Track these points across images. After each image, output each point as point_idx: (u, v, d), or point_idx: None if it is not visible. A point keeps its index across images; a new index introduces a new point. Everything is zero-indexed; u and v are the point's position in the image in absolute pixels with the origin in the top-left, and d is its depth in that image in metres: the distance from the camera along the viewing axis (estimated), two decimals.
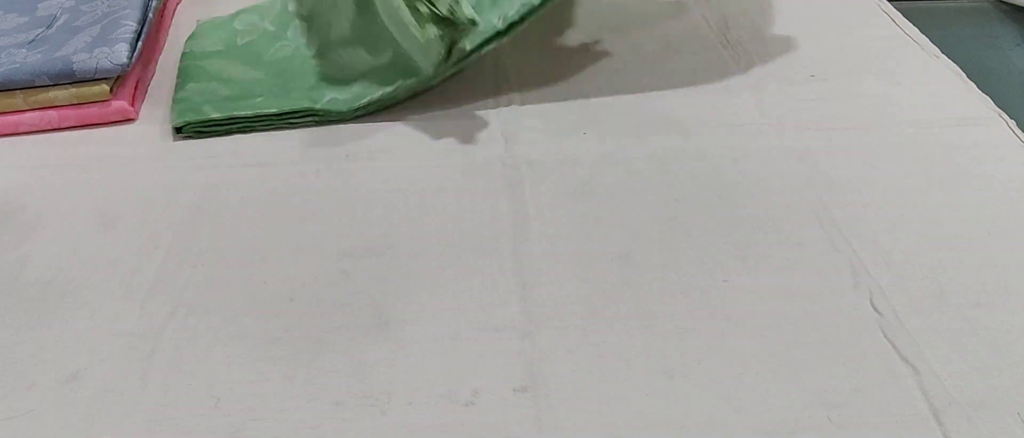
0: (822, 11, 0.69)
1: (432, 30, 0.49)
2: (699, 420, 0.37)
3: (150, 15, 0.60)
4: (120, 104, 0.55)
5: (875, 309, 0.42)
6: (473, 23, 0.48)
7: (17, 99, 0.54)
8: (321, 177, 0.51)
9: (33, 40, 0.57)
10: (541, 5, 0.51)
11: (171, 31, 0.66)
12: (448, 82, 0.58)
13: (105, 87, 0.54)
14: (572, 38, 0.66)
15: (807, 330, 0.41)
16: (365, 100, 0.54)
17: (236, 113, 0.54)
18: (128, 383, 0.38)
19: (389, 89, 0.54)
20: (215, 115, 0.54)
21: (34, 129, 0.55)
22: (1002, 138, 0.54)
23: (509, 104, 0.58)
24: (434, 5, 0.48)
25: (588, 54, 0.63)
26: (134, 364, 0.39)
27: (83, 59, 0.54)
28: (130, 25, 0.57)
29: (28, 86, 0.54)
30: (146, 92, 0.59)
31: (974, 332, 0.41)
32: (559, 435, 0.36)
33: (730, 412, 0.37)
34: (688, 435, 0.36)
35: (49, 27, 0.59)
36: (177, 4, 0.69)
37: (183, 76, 0.59)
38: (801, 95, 0.58)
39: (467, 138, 0.54)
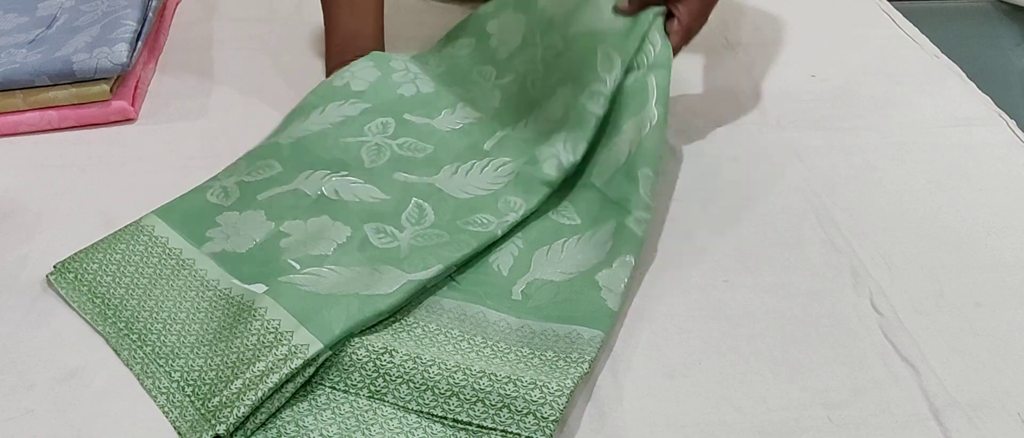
0: (822, 11, 0.69)
1: None
2: (699, 420, 0.37)
3: (150, 15, 0.60)
4: (120, 104, 0.55)
5: (875, 309, 0.42)
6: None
7: (17, 99, 0.54)
8: None
9: (33, 40, 0.57)
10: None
11: (171, 31, 0.66)
12: None
13: (105, 87, 0.54)
14: None
15: (807, 330, 0.41)
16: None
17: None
18: (128, 383, 0.38)
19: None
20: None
21: (34, 129, 0.55)
22: (1002, 138, 0.54)
23: None
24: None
25: None
26: None
27: (83, 59, 0.53)
28: (130, 25, 0.57)
29: (28, 86, 0.54)
30: (146, 92, 0.59)
31: (974, 332, 0.41)
32: (559, 435, 0.36)
33: (730, 412, 0.37)
34: (688, 435, 0.36)
35: (49, 27, 0.59)
36: (177, 4, 0.69)
37: None
38: (801, 95, 0.58)
39: None
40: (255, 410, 0.36)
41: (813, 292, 0.43)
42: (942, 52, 0.63)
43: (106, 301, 0.41)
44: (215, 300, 0.41)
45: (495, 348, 0.39)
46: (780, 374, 0.39)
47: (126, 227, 0.45)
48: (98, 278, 0.42)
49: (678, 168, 0.51)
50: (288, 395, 0.37)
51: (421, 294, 0.42)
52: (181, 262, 0.43)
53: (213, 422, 0.35)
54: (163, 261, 0.43)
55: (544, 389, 0.36)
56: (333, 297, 0.39)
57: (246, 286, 0.41)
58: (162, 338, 0.40)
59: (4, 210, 0.48)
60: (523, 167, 0.48)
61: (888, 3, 0.70)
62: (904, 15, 0.68)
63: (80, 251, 0.44)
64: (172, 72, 0.61)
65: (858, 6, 0.70)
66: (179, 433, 0.36)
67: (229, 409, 0.35)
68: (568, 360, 0.38)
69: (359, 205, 0.46)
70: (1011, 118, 0.56)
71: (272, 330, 0.38)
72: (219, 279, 0.42)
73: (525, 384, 0.36)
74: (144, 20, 0.59)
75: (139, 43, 0.57)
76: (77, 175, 0.51)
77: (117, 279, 0.42)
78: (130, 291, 0.42)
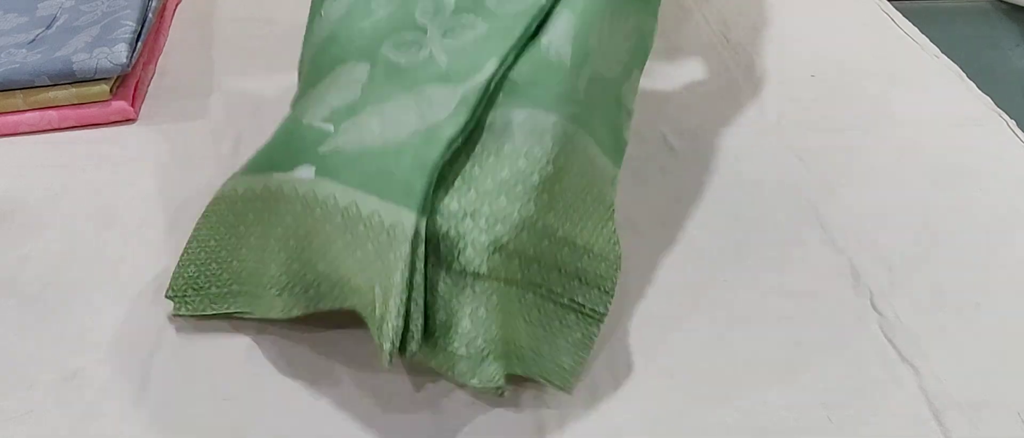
0: (822, 11, 0.69)
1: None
2: (699, 420, 0.37)
3: (150, 15, 0.60)
4: (120, 104, 0.55)
5: (875, 309, 0.42)
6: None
7: (17, 99, 0.54)
8: None
9: (33, 40, 0.57)
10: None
11: (171, 31, 0.66)
12: None
13: (105, 87, 0.54)
14: None
15: (807, 330, 0.41)
16: None
17: None
18: (128, 383, 0.38)
19: None
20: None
21: (34, 129, 0.55)
22: (1002, 138, 0.54)
23: None
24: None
25: None
26: (134, 364, 0.39)
27: (83, 59, 0.54)
28: (130, 25, 0.57)
29: (28, 86, 0.54)
30: (146, 92, 0.59)
31: (974, 332, 0.41)
32: (559, 435, 0.36)
33: (730, 412, 0.37)
34: (688, 435, 0.36)
35: (49, 27, 0.59)
36: (177, 4, 0.69)
37: None
38: (801, 95, 0.58)
39: None
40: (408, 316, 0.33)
41: (813, 292, 0.43)
42: (942, 52, 0.63)
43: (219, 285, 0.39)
44: (291, 205, 0.36)
45: (569, 187, 0.36)
46: (780, 374, 0.39)
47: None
48: (202, 272, 0.39)
49: (677, 168, 0.51)
50: (421, 283, 0.33)
51: (484, 105, 0.35)
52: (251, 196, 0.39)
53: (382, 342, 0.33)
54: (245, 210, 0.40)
55: (607, 261, 0.37)
56: (390, 147, 0.34)
57: (289, 174, 0.35)
58: (265, 268, 0.38)
59: (4, 210, 0.48)
60: None
61: (888, 3, 0.70)
62: (904, 15, 0.68)
63: (176, 268, 0.40)
64: (172, 72, 0.61)
65: (858, 6, 0.70)
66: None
67: (388, 324, 0.32)
68: (599, 203, 0.38)
69: (364, 33, 0.38)
70: (1011, 118, 0.56)
71: (356, 218, 0.33)
72: (267, 184, 0.36)
73: (595, 255, 0.37)
74: (144, 20, 0.59)
75: (139, 43, 0.57)
76: (77, 175, 0.51)
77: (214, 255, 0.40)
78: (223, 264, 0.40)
